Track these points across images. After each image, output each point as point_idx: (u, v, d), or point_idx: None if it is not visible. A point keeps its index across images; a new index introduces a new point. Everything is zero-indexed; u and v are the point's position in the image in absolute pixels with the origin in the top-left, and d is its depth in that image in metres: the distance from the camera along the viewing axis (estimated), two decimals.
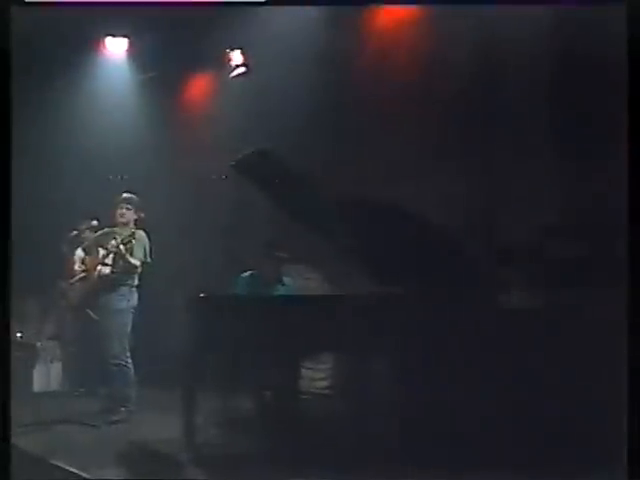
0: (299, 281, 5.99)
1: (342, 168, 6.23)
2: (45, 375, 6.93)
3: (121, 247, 5.48)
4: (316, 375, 6.56)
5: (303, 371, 5.80)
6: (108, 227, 5.85)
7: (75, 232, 5.98)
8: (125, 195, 5.72)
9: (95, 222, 5.89)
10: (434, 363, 4.20)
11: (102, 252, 5.69)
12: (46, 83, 7.34)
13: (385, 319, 4.35)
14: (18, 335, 7.09)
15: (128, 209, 5.69)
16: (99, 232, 5.90)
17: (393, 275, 4.62)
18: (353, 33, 6.47)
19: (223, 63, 7.45)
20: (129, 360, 5.67)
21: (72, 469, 4.23)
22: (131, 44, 7.80)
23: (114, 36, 7.70)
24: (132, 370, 5.67)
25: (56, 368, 6.82)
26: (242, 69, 7.33)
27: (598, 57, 4.71)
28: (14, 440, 4.56)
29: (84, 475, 4.14)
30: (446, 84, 5.74)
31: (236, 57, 7.36)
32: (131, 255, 5.57)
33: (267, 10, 6.20)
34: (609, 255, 3.99)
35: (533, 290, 4.43)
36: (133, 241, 5.50)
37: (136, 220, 5.72)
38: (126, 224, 5.66)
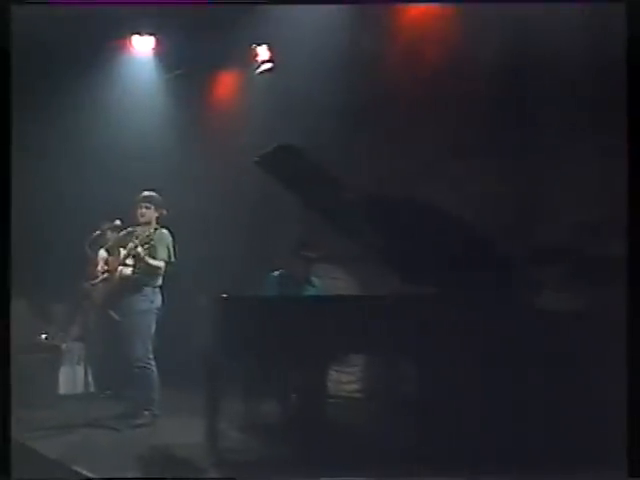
0: (328, 281, 5.87)
1: (370, 165, 6.30)
2: (67, 377, 6.97)
3: (139, 249, 5.45)
4: (345, 378, 6.45)
5: (331, 374, 5.74)
6: (131, 227, 5.82)
7: (98, 232, 5.90)
8: (145, 194, 5.69)
9: (118, 222, 5.81)
10: (466, 365, 4.18)
11: (123, 253, 5.65)
12: (67, 82, 7.45)
13: (415, 320, 4.34)
14: (43, 336, 7.05)
15: (147, 208, 5.66)
16: (122, 232, 5.87)
17: (424, 275, 4.62)
18: (376, 31, 6.56)
19: (248, 60, 7.52)
20: (152, 362, 5.64)
21: (91, 475, 4.13)
22: (138, 42, 7.99)
23: (121, 34, 7.86)
24: (155, 373, 5.64)
25: (79, 370, 6.75)
26: (268, 65, 7.23)
27: (598, 56, 4.79)
28: (35, 443, 4.56)
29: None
30: (451, 84, 5.89)
31: (261, 53, 7.44)
32: (153, 255, 5.55)
33: (291, 8, 6.39)
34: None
35: (558, 290, 4.45)
36: (152, 242, 5.45)
37: (157, 218, 5.66)
38: (147, 223, 5.61)
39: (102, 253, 5.93)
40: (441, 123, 5.91)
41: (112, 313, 5.85)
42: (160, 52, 7.88)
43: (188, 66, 7.77)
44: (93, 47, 7.38)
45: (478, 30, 5.65)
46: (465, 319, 4.23)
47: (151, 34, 7.82)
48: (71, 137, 7.60)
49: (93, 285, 5.92)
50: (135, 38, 7.85)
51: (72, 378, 6.93)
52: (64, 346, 7.05)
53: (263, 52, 7.43)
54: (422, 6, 6.28)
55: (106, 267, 5.80)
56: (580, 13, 4.86)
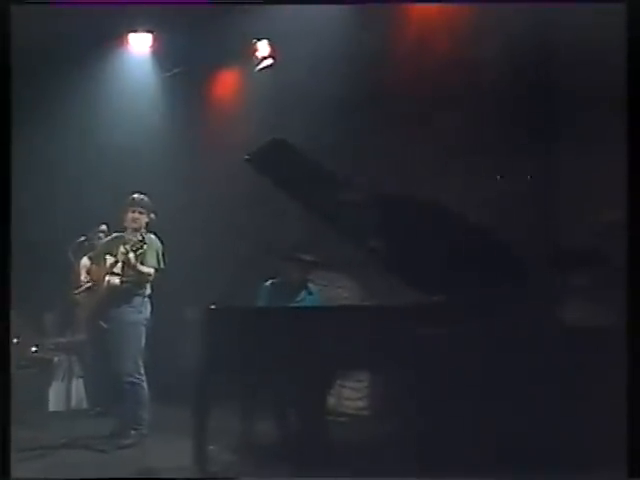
0: (328, 290, 5.71)
1: (374, 164, 6.30)
2: (52, 393, 6.82)
3: (130, 255, 5.40)
4: (352, 394, 6.32)
5: (337, 390, 5.58)
6: (117, 232, 5.78)
7: (82, 238, 5.76)
8: (135, 197, 5.67)
9: (104, 227, 5.67)
10: (482, 380, 4.11)
11: (110, 260, 5.63)
12: (57, 83, 7.50)
13: (427, 331, 4.23)
14: (33, 350, 6.96)
15: (141, 212, 5.63)
16: (107, 238, 5.84)
17: (436, 283, 4.55)
18: (378, 30, 6.60)
19: (246, 58, 7.60)
20: (143, 378, 5.60)
21: None
22: (138, 40, 8.01)
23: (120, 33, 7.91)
24: (145, 389, 5.59)
25: (64, 386, 6.64)
26: (268, 61, 7.18)
27: (598, 57, 4.90)
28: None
29: None
30: (452, 81, 5.99)
31: (261, 51, 7.50)
32: (142, 262, 5.54)
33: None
34: None
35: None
36: (144, 246, 5.43)
37: (147, 223, 5.67)
38: (138, 229, 5.58)
39: (85, 261, 5.82)
40: (447, 121, 5.97)
41: (101, 323, 5.67)
42: (160, 50, 7.95)
43: (187, 64, 7.68)
44: (93, 46, 7.46)
45: (476, 30, 5.76)
46: (478, 328, 4.18)
47: (151, 32, 7.91)
48: (68, 137, 7.64)
49: (77, 296, 5.77)
50: (135, 36, 7.94)
51: (57, 394, 6.81)
52: (55, 360, 6.94)
53: (263, 48, 7.47)
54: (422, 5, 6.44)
55: (89, 276, 5.67)
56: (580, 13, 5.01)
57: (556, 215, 5.55)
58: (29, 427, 5.70)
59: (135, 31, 7.87)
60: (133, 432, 5.47)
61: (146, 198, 5.62)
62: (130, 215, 5.53)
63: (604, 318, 4.08)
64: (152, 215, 5.56)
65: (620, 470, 3.52)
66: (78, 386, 6.80)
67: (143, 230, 5.50)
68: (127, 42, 7.93)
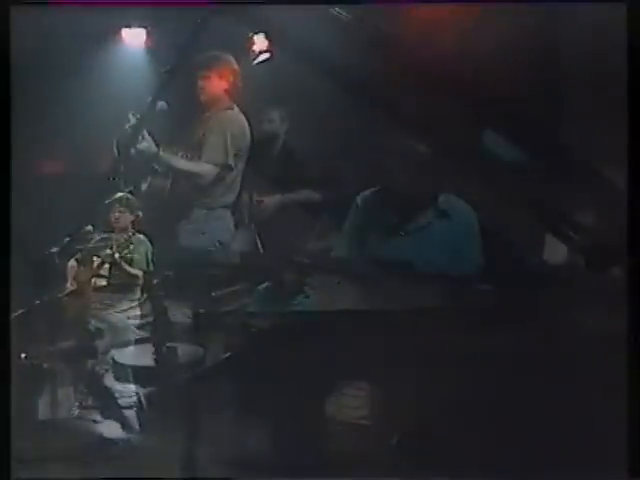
0: (325, 293, 5.63)
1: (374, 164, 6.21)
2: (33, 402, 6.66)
3: (116, 255, 5.54)
4: (351, 403, 6.22)
5: (335, 398, 5.51)
6: (105, 233, 5.93)
7: (67, 239, 5.69)
8: (119, 195, 5.57)
9: (90, 227, 5.62)
10: (482, 382, 4.13)
11: (96, 262, 5.71)
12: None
13: (433, 337, 4.24)
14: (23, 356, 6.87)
15: (121, 212, 5.64)
16: (94, 239, 5.67)
17: (443, 285, 4.62)
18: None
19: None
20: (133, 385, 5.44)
21: None
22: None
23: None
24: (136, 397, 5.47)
25: (48, 393, 6.54)
26: (266, 55, 7.17)
27: (598, 57, 4.99)
28: None
29: None
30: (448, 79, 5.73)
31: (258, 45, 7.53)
32: (130, 263, 5.58)
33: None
34: None
35: None
36: (131, 247, 5.55)
37: (133, 223, 5.48)
38: (123, 229, 5.43)
39: (72, 263, 5.78)
40: (450, 119, 5.83)
41: (90, 327, 5.62)
42: (159, 47, 7.88)
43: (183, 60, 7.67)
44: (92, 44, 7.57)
45: (473, 29, 5.81)
46: (491, 333, 4.17)
47: (153, 29, 7.94)
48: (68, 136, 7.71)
49: (62, 299, 5.71)
50: (135, 33, 7.93)
51: (44, 402, 6.71)
52: (43, 367, 6.83)
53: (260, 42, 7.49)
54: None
55: (75, 280, 5.62)
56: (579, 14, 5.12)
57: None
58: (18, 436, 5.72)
59: (134, 28, 7.85)
60: (120, 442, 5.34)
61: (130, 196, 5.76)
62: (114, 215, 5.68)
63: (602, 318, 4.10)
64: (138, 214, 5.60)
65: (620, 470, 3.59)
66: (65, 394, 6.70)
67: (130, 230, 5.64)
68: (125, 39, 7.89)
